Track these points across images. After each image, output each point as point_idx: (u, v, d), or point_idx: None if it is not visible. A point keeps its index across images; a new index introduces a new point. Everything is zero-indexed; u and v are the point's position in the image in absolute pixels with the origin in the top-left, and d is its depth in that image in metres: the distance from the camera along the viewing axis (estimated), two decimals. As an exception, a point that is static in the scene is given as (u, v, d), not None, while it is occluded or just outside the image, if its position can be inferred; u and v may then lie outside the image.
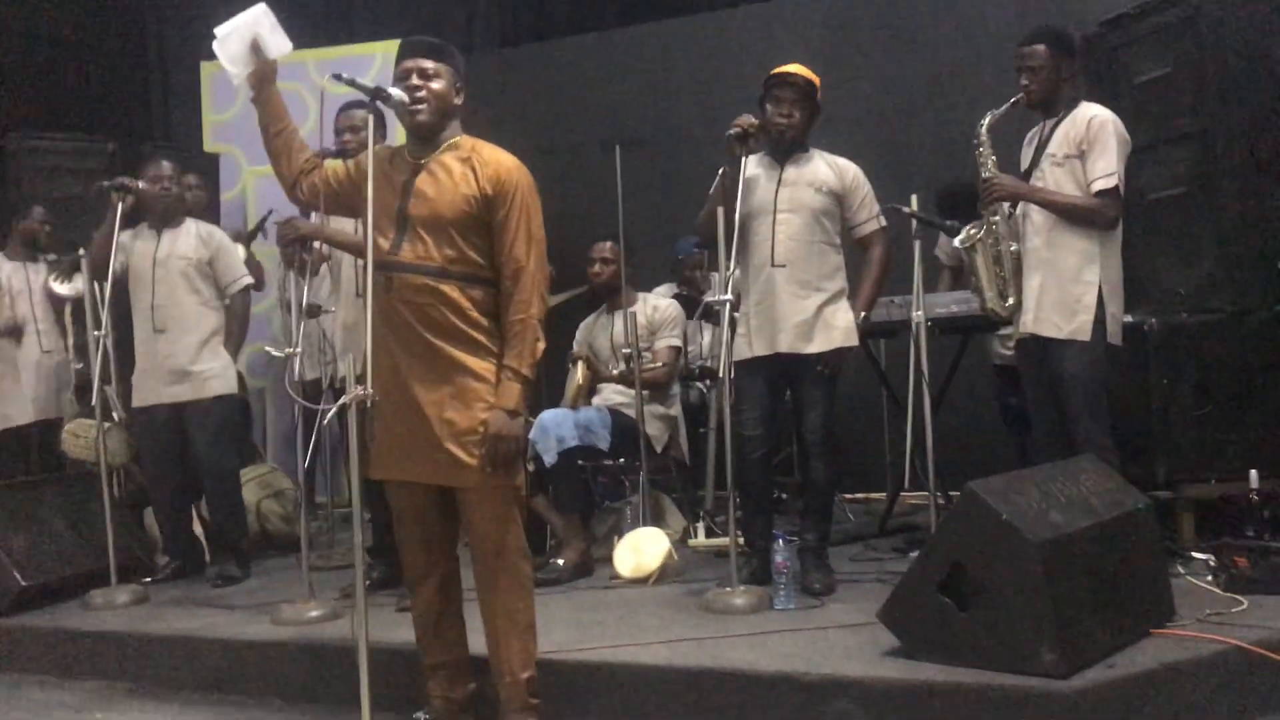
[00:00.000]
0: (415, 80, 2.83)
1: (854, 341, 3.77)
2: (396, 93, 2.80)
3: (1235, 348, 4.00)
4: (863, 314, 3.80)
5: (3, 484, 4.69)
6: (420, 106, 2.82)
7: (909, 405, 4.43)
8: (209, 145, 7.10)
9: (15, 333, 5.29)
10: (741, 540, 3.85)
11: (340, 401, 2.70)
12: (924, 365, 4.10)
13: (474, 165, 2.83)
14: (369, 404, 2.69)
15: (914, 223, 4.16)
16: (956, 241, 3.81)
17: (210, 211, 5.82)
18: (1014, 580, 2.70)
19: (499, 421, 2.77)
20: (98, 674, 3.87)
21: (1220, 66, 4.05)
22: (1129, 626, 2.94)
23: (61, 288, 5.37)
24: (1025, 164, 3.76)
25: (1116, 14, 4.40)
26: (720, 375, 3.69)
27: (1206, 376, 3.97)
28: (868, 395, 5.25)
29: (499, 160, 2.85)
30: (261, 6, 2.98)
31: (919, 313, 4.10)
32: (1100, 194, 3.52)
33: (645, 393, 4.52)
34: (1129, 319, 3.80)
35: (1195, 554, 3.71)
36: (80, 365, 5.31)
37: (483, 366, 2.82)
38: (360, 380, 2.73)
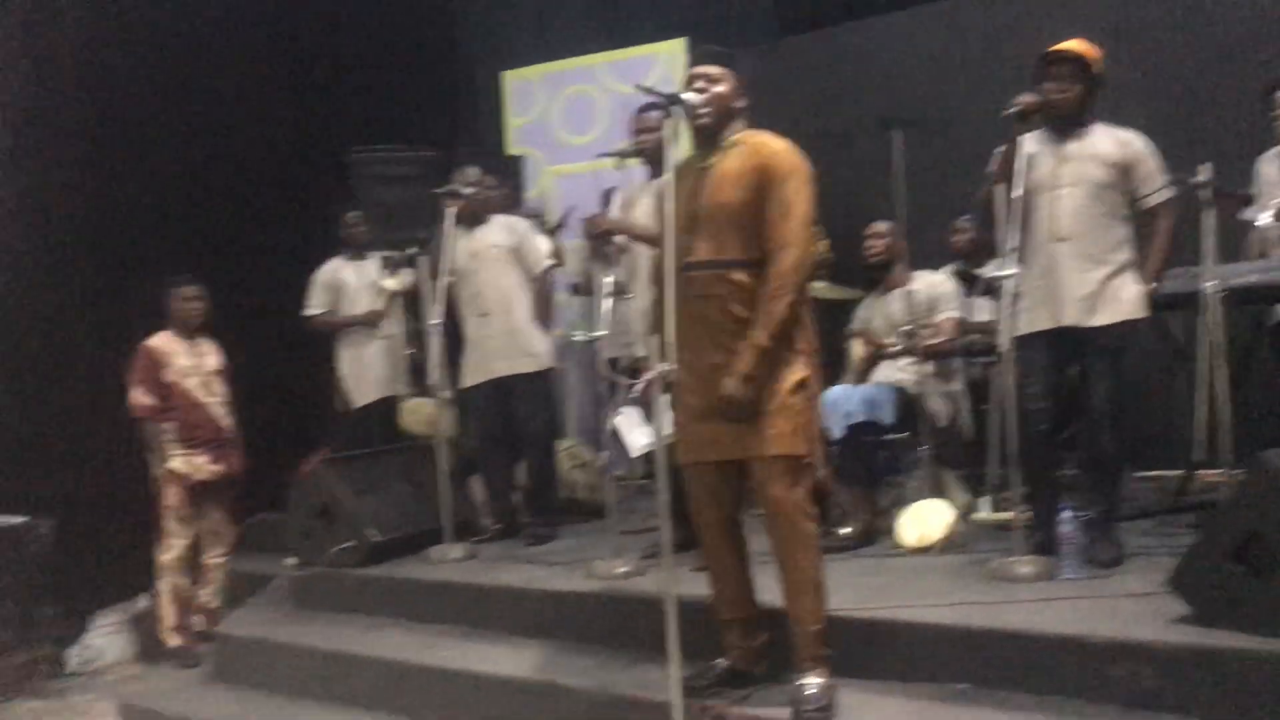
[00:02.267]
0: (701, 84, 3.11)
1: (1142, 313, 3.73)
2: (689, 97, 3.09)
3: None
4: (1152, 285, 3.77)
5: (357, 454, 5.38)
6: (705, 110, 3.10)
7: (1200, 379, 4.30)
8: (512, 148, 7.68)
9: (373, 321, 6.00)
10: (1027, 513, 3.91)
11: (646, 377, 3.03)
12: (1218, 337, 3.99)
13: (750, 157, 3.07)
14: (670, 380, 2.99)
15: (1203, 192, 4.05)
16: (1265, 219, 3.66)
17: (514, 209, 6.36)
18: (1311, 550, 2.68)
19: (727, 386, 2.99)
20: (438, 618, 4.36)
21: None
22: None
23: (389, 283, 6.06)
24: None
25: None
26: (1001, 350, 3.77)
27: None
28: (1164, 369, 5.11)
29: (770, 147, 3.08)
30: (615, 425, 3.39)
31: (1210, 283, 3.99)
32: None
33: (927, 368, 4.61)
34: None
35: None
36: (413, 350, 5.99)
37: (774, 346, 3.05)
38: (661, 358, 3.04)
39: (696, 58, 3.21)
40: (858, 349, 4.86)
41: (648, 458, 4.05)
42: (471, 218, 5.13)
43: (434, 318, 4.84)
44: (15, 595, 5.29)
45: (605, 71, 7.37)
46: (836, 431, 4.40)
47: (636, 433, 3.28)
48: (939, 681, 3.13)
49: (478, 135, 8.27)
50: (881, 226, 4.83)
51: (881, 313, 4.89)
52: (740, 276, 3.06)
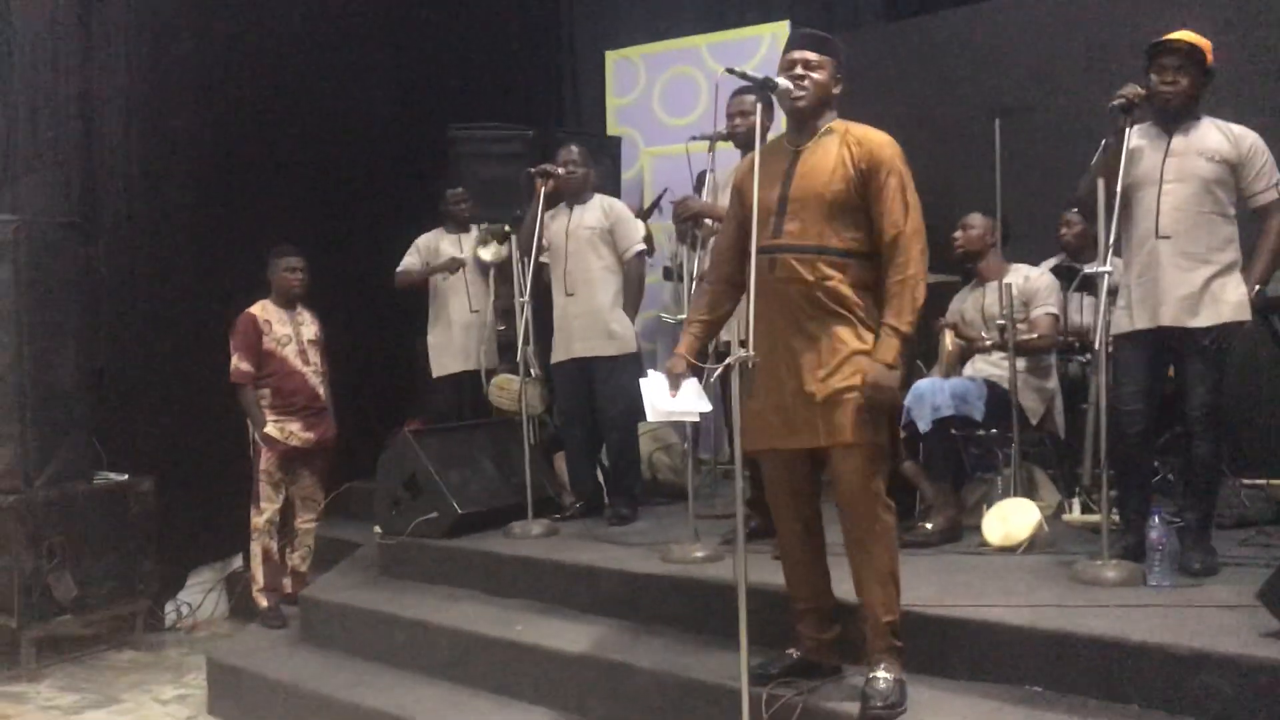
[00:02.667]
0: (799, 70, 3.07)
1: (1246, 316, 3.59)
2: (783, 82, 3.05)
3: None
4: (1256, 287, 3.62)
5: (443, 427, 5.48)
6: (801, 94, 3.06)
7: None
8: (611, 128, 7.67)
9: (456, 267, 6.03)
10: (1116, 516, 3.81)
11: (725, 362, 3.01)
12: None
13: (848, 145, 3.03)
14: (750, 365, 2.96)
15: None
16: None
17: (610, 189, 6.38)
18: None
19: (877, 373, 2.94)
20: (516, 592, 4.43)
21: None
22: None
23: (485, 254, 6.13)
24: None
25: None
26: (1097, 348, 3.67)
27: None
28: (1272, 374, 4.92)
29: (870, 138, 3.05)
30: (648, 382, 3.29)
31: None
32: None
33: (1020, 364, 4.51)
34: None
35: None
36: (503, 327, 6.07)
37: (855, 335, 3.01)
38: (743, 344, 3.02)
39: (795, 41, 3.17)
40: (949, 341, 4.77)
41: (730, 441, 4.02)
42: (571, 197, 5.16)
43: (522, 294, 4.89)
44: (117, 550, 5.53)
45: (708, 53, 7.32)
46: (924, 425, 4.33)
47: (655, 399, 3.27)
48: (1013, 683, 3.08)
49: (581, 114, 8.30)
50: (975, 219, 4.72)
51: (976, 305, 4.78)
52: (825, 264, 3.03)
